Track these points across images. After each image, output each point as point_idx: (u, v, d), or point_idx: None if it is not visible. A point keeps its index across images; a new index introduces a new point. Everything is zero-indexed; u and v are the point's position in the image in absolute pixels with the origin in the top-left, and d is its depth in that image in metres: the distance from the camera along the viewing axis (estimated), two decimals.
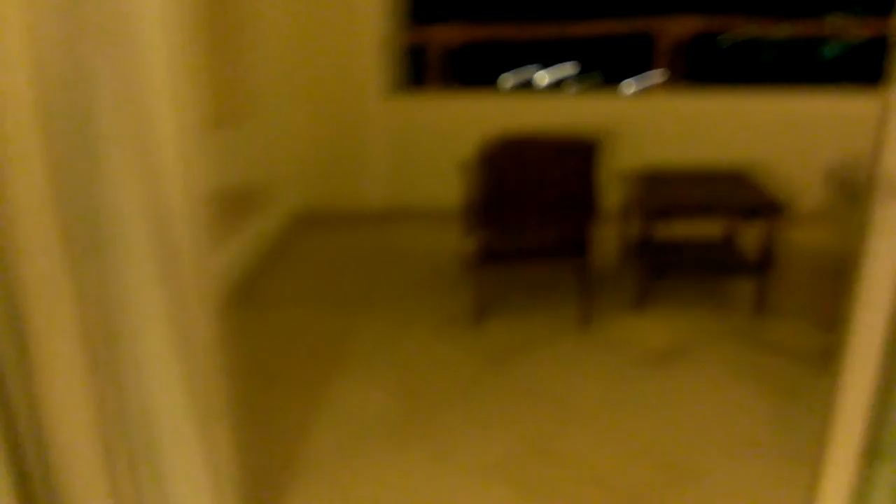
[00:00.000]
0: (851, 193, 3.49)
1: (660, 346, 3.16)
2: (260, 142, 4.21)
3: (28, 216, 1.30)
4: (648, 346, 3.15)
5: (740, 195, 3.43)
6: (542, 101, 4.95)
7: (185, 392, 1.66)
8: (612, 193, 3.90)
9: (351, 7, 4.54)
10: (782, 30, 6.00)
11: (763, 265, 3.34)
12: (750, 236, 3.88)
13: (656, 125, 4.76)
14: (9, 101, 1.24)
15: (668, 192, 3.52)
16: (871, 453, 1.87)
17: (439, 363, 3.06)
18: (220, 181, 3.56)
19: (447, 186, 4.59)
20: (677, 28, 4.65)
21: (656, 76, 4.92)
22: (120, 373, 1.57)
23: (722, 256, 3.57)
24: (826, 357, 3.04)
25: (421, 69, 4.95)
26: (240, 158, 3.90)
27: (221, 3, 3.52)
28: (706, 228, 3.96)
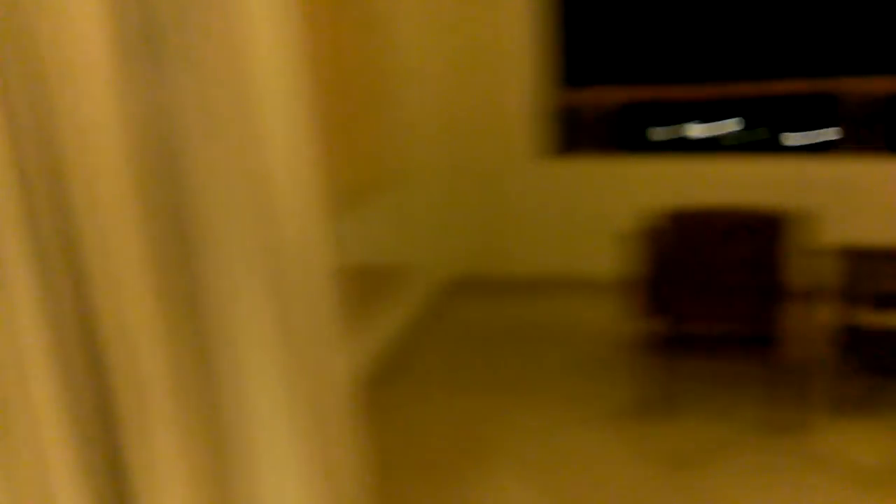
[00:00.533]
0: None
1: (875, 463, 2.59)
2: (409, 209, 4.12)
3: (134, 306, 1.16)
4: (861, 464, 2.59)
5: None
6: (710, 164, 4.51)
7: (313, 475, 1.46)
8: (801, 271, 3.39)
9: (501, 68, 4.42)
10: None
11: None
12: None
13: (848, 192, 4.16)
14: (106, 174, 1.11)
15: (886, 274, 2.97)
16: None
17: (602, 464, 2.68)
18: (367, 255, 3.47)
19: (604, 255, 4.25)
20: (866, 88, 4.14)
21: (836, 138, 4.40)
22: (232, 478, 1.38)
23: None
24: None
25: (576, 132, 4.73)
26: (387, 229, 3.81)
27: (361, 69, 3.47)
28: None
